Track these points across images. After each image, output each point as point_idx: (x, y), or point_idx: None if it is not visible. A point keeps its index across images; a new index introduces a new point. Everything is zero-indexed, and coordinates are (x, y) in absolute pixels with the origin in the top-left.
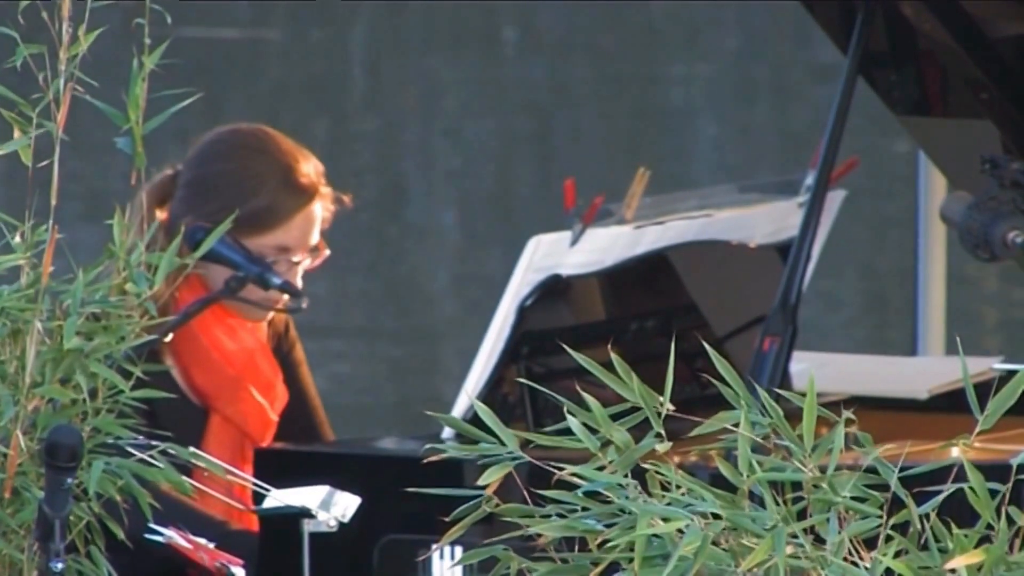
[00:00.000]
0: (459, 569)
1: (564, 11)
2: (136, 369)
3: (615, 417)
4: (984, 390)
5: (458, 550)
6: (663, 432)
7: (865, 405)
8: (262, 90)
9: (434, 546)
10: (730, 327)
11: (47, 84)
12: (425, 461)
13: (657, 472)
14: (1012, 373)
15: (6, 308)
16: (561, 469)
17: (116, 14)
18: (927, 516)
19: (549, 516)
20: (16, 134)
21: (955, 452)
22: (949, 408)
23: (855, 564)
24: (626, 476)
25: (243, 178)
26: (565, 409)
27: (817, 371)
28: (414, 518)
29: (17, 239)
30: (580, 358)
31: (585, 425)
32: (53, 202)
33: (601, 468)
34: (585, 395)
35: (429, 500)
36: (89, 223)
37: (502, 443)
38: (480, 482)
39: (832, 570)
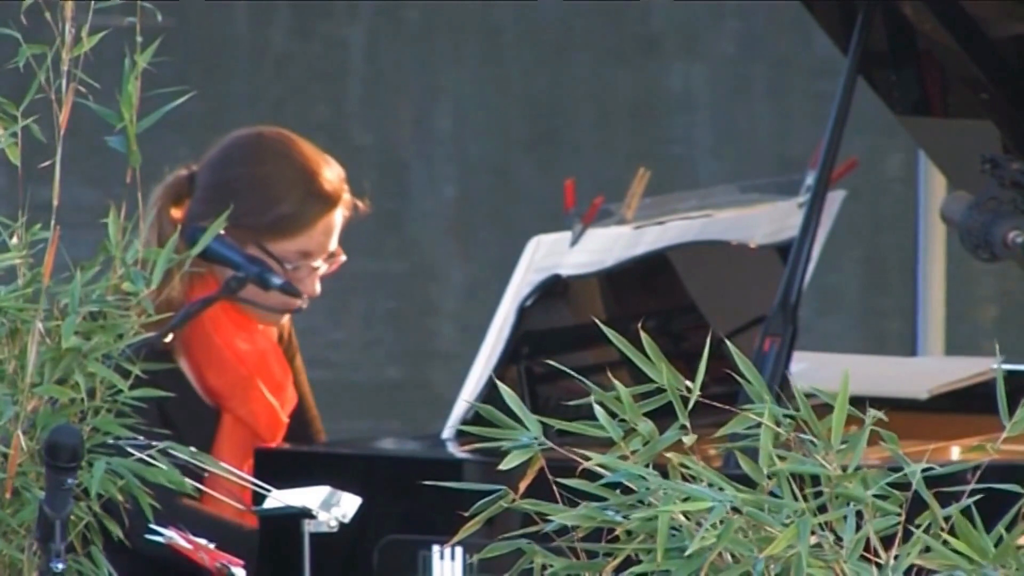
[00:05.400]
0: (460, 567)
1: (564, 11)
2: (135, 368)
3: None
4: (984, 390)
5: (459, 551)
6: (688, 424)
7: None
8: (262, 87)
9: (447, 544)
10: (730, 327)
11: (49, 85)
12: (460, 452)
13: (680, 464)
14: (1012, 373)
15: (4, 308)
16: (579, 462)
17: (118, 14)
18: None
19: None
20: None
21: (955, 452)
22: (949, 408)
23: (873, 561)
24: (647, 467)
25: (268, 184)
26: (592, 396)
27: (817, 371)
28: (414, 519)
29: (14, 239)
30: (616, 338)
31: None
32: (55, 203)
33: (623, 459)
34: (615, 381)
35: (429, 501)
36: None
37: (512, 430)
38: (503, 467)
39: (854, 564)
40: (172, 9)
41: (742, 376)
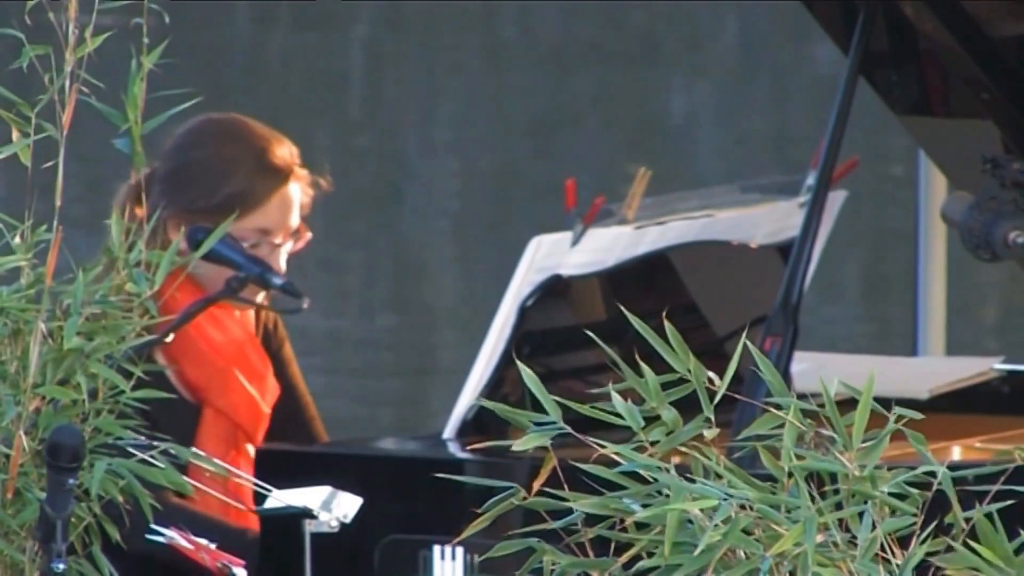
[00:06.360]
0: (460, 567)
1: (565, 12)
2: (136, 369)
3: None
4: (984, 390)
5: (459, 551)
6: (712, 417)
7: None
8: (263, 91)
9: (449, 543)
10: (731, 327)
11: (53, 85)
12: (476, 448)
13: (700, 457)
14: (1012, 373)
15: (7, 308)
16: (590, 456)
17: (120, 15)
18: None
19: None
20: (15, 135)
21: (957, 452)
22: (950, 408)
23: (888, 561)
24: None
25: (217, 164)
26: (611, 384)
27: (818, 371)
28: (415, 518)
29: (17, 240)
30: (639, 325)
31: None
32: (58, 203)
33: (642, 448)
34: (644, 366)
35: (430, 501)
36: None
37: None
38: (516, 448)
39: (862, 564)
40: (172, 9)
41: (756, 375)
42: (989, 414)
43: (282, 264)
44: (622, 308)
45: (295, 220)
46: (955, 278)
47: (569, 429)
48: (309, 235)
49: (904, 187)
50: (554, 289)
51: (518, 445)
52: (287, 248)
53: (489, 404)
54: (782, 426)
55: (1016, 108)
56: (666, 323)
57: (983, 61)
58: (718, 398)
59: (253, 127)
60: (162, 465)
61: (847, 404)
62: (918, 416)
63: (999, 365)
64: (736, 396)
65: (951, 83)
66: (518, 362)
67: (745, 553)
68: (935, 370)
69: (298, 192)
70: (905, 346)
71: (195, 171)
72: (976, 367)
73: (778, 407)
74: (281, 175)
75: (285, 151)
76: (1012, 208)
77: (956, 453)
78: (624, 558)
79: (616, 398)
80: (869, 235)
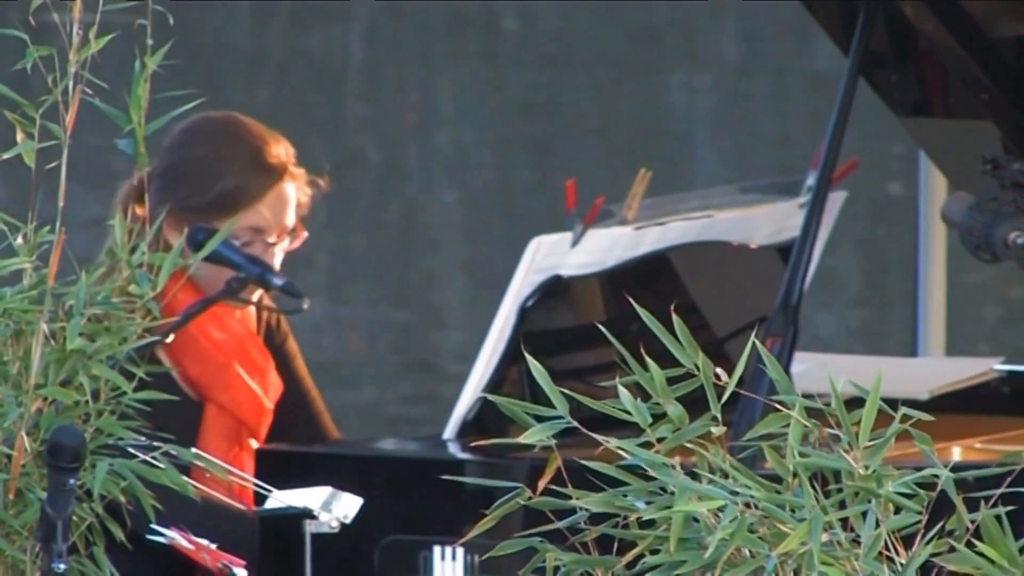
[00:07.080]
0: (460, 568)
1: (564, 12)
2: (139, 371)
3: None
4: (984, 390)
5: (459, 551)
6: (719, 415)
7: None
8: (261, 88)
9: (453, 543)
10: (731, 328)
11: (56, 86)
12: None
13: (706, 455)
14: (1012, 374)
15: (9, 309)
16: (587, 459)
17: (122, 15)
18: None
19: (575, 512)
20: (19, 135)
21: (956, 453)
22: (950, 409)
23: (892, 560)
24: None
25: (212, 161)
26: (617, 379)
27: (817, 372)
28: (415, 519)
29: (20, 241)
30: (648, 319)
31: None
32: (60, 204)
33: (648, 445)
34: (649, 361)
35: (430, 501)
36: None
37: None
38: (521, 440)
39: (866, 562)
40: (172, 9)
41: (757, 375)
42: (989, 415)
43: (277, 263)
44: (631, 302)
45: (290, 219)
46: (955, 279)
47: (574, 422)
48: (305, 234)
49: (904, 188)
50: (554, 290)
51: (524, 438)
52: (282, 247)
53: (494, 398)
54: (787, 425)
55: (1016, 108)
56: (674, 318)
57: (983, 61)
58: (727, 395)
59: (249, 125)
60: (163, 465)
61: (848, 404)
62: (925, 416)
63: (999, 365)
64: (742, 393)
65: (951, 83)
66: (526, 355)
67: (750, 552)
68: (935, 370)
69: (293, 191)
70: (905, 346)
71: (189, 168)
72: (976, 367)
73: (783, 406)
74: (275, 173)
75: (280, 150)
76: (1012, 209)
77: (956, 454)
78: (628, 557)
79: (623, 393)
80: (868, 235)
